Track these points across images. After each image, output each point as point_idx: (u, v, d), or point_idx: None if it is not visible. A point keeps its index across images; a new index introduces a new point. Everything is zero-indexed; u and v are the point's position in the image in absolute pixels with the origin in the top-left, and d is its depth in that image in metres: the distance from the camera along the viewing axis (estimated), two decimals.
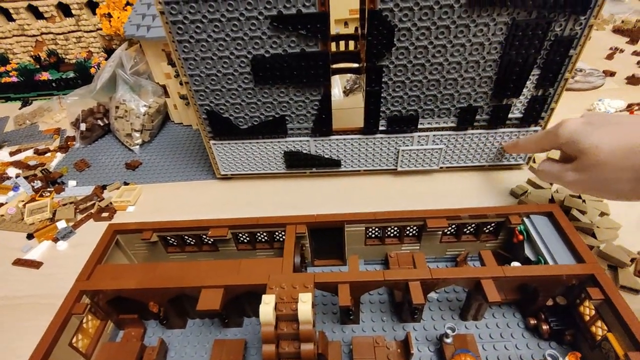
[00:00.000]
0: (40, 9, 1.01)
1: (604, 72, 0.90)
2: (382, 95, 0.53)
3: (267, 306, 0.34)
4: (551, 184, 0.59)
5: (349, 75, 0.89)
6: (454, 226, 0.46)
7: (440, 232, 0.46)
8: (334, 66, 0.69)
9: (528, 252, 0.42)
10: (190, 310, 0.44)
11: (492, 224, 0.45)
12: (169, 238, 0.48)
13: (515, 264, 0.42)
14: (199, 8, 0.46)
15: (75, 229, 0.60)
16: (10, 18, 1.03)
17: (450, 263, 0.49)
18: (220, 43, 0.49)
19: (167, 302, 0.41)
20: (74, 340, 0.38)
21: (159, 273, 0.41)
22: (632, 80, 0.86)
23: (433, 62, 0.50)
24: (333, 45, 0.72)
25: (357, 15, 0.58)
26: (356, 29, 0.69)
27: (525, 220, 0.44)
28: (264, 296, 0.34)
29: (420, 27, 0.47)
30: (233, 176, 0.67)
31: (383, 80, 0.52)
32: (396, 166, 0.63)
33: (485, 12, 0.45)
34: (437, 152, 0.60)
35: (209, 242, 0.48)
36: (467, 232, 0.47)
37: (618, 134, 0.37)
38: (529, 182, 0.61)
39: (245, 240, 0.48)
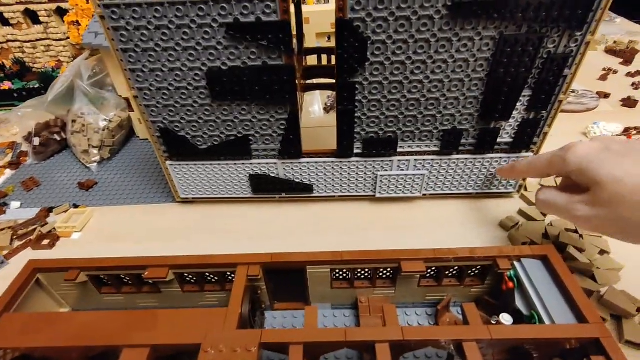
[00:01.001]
0: (6, 15, 0.95)
1: (597, 93, 0.86)
2: (357, 114, 0.48)
3: None
4: (545, 215, 0.53)
5: (328, 92, 0.84)
6: (433, 269, 0.39)
7: (418, 276, 0.39)
8: (310, 81, 0.64)
9: (519, 303, 0.36)
10: None
11: (478, 267, 0.39)
12: (102, 277, 0.41)
13: (505, 316, 0.36)
14: (144, 13, 0.40)
15: (8, 259, 0.53)
16: None
17: (431, 309, 0.43)
18: (170, 53, 0.43)
19: None
20: None
21: (79, 325, 0.34)
22: (628, 102, 0.81)
23: (412, 80, 0.44)
24: (314, 58, 0.67)
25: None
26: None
27: (516, 264, 0.37)
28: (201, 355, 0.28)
29: (396, 40, 0.41)
30: (194, 200, 0.60)
31: (357, 98, 0.46)
32: (374, 192, 0.57)
33: (470, 25, 0.40)
34: (419, 178, 0.54)
35: (150, 282, 0.41)
36: (450, 275, 0.40)
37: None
38: (520, 212, 0.55)
39: (192, 281, 0.41)
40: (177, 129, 0.50)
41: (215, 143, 0.51)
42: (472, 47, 0.42)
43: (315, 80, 0.62)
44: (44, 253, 0.55)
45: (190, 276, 0.40)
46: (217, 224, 0.57)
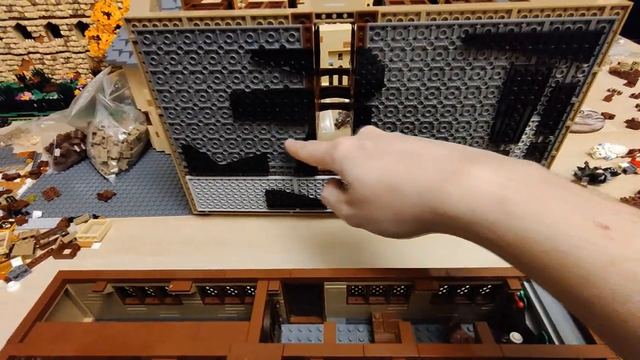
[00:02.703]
0: (29, 29, 0.98)
1: (602, 114, 0.88)
2: None
3: None
4: None
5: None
6: (446, 287, 0.41)
7: (431, 294, 0.41)
8: (323, 101, 0.66)
9: (529, 322, 0.38)
10: None
11: (489, 287, 0.40)
12: (127, 288, 0.43)
13: (515, 335, 0.37)
14: (174, 39, 0.42)
15: (31, 268, 0.55)
16: None
17: (442, 325, 0.44)
18: (197, 76, 0.45)
19: None
20: None
21: (107, 336, 0.35)
22: (632, 124, 0.83)
23: (426, 105, 0.46)
24: (326, 78, 0.69)
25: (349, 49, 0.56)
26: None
27: (526, 284, 0.39)
28: None
29: (412, 67, 0.43)
30: (211, 213, 0.62)
31: (372, 121, 0.48)
32: None
33: (482, 56, 0.42)
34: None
35: (173, 294, 0.43)
36: (461, 293, 0.42)
37: (382, 167, 0.31)
38: None
39: (212, 294, 0.43)
40: (198, 146, 0.52)
41: (235, 160, 0.53)
42: (484, 75, 0.44)
43: (329, 100, 0.64)
44: (65, 262, 0.56)
45: (212, 289, 0.42)
46: (233, 237, 0.59)
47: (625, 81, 1.06)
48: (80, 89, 0.97)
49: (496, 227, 0.23)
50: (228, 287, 0.42)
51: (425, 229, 0.31)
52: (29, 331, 0.35)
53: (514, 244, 0.23)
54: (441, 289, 0.40)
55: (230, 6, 0.48)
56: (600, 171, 0.67)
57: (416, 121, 0.48)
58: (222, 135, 0.51)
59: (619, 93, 0.99)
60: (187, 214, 0.64)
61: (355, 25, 0.41)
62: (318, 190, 0.57)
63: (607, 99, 0.96)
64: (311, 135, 0.50)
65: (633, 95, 0.98)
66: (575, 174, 0.68)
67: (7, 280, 0.53)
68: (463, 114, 0.47)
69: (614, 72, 1.12)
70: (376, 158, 0.32)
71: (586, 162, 0.69)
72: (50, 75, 1.06)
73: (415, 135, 0.49)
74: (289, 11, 0.40)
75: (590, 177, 0.66)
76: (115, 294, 0.42)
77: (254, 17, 0.41)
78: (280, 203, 0.58)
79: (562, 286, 0.21)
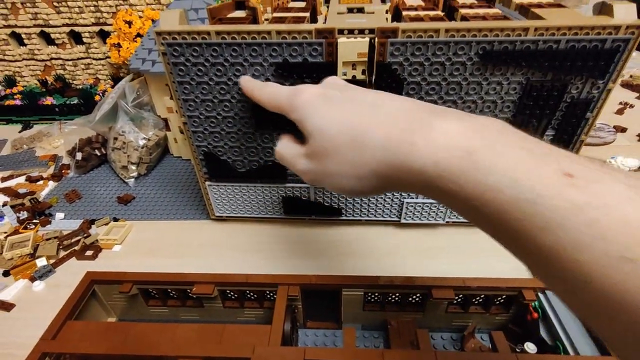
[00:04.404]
0: (52, 36, 1.02)
1: (614, 127, 0.88)
2: None
3: None
4: None
5: None
6: (461, 296, 0.42)
7: (446, 302, 0.42)
8: None
9: (543, 333, 0.38)
10: None
11: (503, 297, 0.41)
12: (150, 290, 0.44)
13: (530, 345, 0.38)
14: (202, 52, 0.44)
15: (55, 268, 0.57)
16: (21, 42, 1.04)
17: (455, 334, 0.45)
18: (222, 87, 0.47)
19: None
20: None
21: (134, 335, 0.37)
22: None
23: None
24: None
25: (365, 59, 0.57)
26: (363, 71, 0.68)
27: (541, 295, 0.40)
28: None
29: (430, 82, 0.45)
30: (228, 218, 0.63)
31: None
32: (400, 218, 0.60)
33: (499, 71, 0.44)
34: (442, 206, 0.57)
35: (194, 297, 0.44)
36: (476, 302, 0.43)
37: (345, 118, 0.29)
38: None
39: (232, 298, 0.44)
40: (219, 153, 0.54)
41: (254, 167, 0.55)
42: (500, 90, 0.45)
43: None
44: (87, 264, 0.58)
45: (232, 293, 0.43)
46: (249, 242, 0.60)
47: (638, 94, 1.06)
48: (100, 94, 1.00)
49: (460, 178, 0.23)
50: (248, 292, 0.43)
51: (383, 186, 0.28)
52: (60, 329, 0.37)
53: (477, 194, 0.22)
54: (457, 297, 0.41)
55: (255, 21, 0.50)
56: None
57: None
58: (243, 143, 0.52)
59: (631, 106, 1.00)
60: (205, 219, 0.65)
61: (377, 40, 0.43)
62: (333, 198, 0.58)
63: (619, 112, 0.97)
64: None
65: None
66: None
67: (33, 279, 0.55)
68: None
69: (626, 85, 1.12)
70: (339, 107, 0.30)
71: None
72: (70, 81, 1.09)
73: None
74: (312, 26, 0.42)
75: None
76: (140, 296, 0.44)
77: (279, 32, 0.42)
78: (296, 210, 0.60)
79: (523, 237, 0.20)
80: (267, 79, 0.46)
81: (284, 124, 0.49)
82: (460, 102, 0.46)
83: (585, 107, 0.46)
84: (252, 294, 0.43)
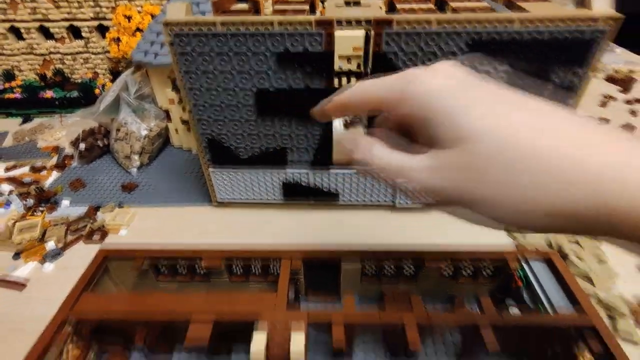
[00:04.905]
0: (51, 30, 1.03)
1: (598, 119, 0.92)
2: None
3: (258, 345, 0.32)
4: None
5: None
6: (451, 267, 0.45)
7: (438, 273, 0.45)
8: None
9: (527, 298, 0.42)
10: (176, 343, 0.43)
11: (490, 267, 0.45)
12: (160, 266, 0.47)
13: (514, 309, 0.41)
14: (208, 42, 0.47)
15: (63, 251, 0.59)
16: (20, 37, 1.05)
17: (447, 304, 0.48)
18: (226, 76, 0.50)
19: (153, 334, 0.39)
20: None
21: (148, 303, 0.39)
22: (627, 128, 0.88)
23: None
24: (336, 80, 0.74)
25: (360, 53, 0.60)
26: (358, 65, 0.71)
27: (525, 265, 0.43)
28: (255, 334, 0.33)
29: None
30: (230, 203, 0.66)
31: None
32: (394, 202, 0.63)
33: (487, 61, 0.47)
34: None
35: (202, 272, 0.47)
36: (465, 274, 0.46)
37: (527, 124, 0.20)
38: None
39: (238, 272, 0.47)
40: (223, 140, 0.56)
41: (256, 153, 0.57)
42: (488, 77, 0.48)
43: None
44: (94, 247, 0.60)
45: (238, 267, 0.46)
46: (250, 226, 0.63)
47: (621, 88, 1.11)
48: (100, 88, 1.01)
49: None
50: (253, 266, 0.46)
51: (568, 227, 0.20)
52: (77, 300, 0.39)
53: None
54: (447, 267, 0.44)
55: (257, 12, 0.53)
56: None
57: None
58: (246, 130, 0.55)
59: (614, 99, 1.04)
60: (207, 204, 0.68)
61: (373, 31, 0.46)
62: (331, 182, 0.61)
63: (603, 104, 1.01)
64: (328, 131, 0.54)
65: (628, 102, 1.03)
66: None
67: (43, 261, 0.57)
68: None
69: (610, 79, 1.17)
70: (508, 104, 0.22)
71: None
72: (69, 75, 1.11)
73: None
74: (312, 18, 0.45)
75: None
76: (150, 271, 0.46)
77: (280, 23, 0.45)
78: (296, 194, 0.63)
79: None
80: (270, 68, 0.48)
81: (286, 112, 0.52)
82: None
83: (566, 93, 0.49)
84: (257, 267, 0.46)
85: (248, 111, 0.53)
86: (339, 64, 0.91)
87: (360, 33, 0.47)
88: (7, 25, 1.02)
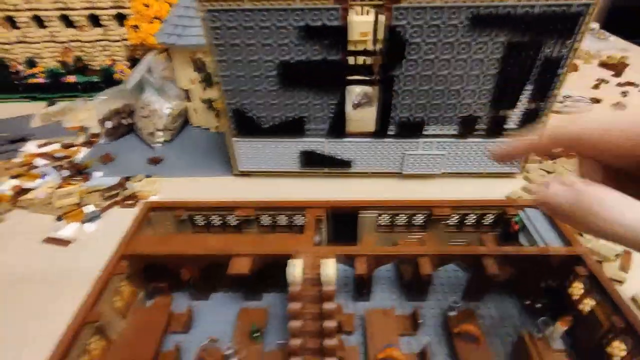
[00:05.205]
0: (72, 18, 1.08)
1: (591, 99, 0.98)
2: (393, 102, 0.60)
3: (295, 268, 0.38)
4: None
5: (358, 90, 0.96)
6: (457, 217, 0.51)
7: (445, 222, 0.51)
8: (350, 77, 0.76)
9: (523, 240, 0.47)
10: (216, 283, 0.48)
11: (492, 215, 0.50)
12: (195, 219, 0.52)
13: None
14: (237, 17, 0.52)
15: (101, 214, 0.64)
16: (42, 25, 1.10)
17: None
18: (252, 48, 0.55)
19: (198, 271, 0.45)
20: (114, 300, 0.42)
21: (193, 243, 0.45)
22: (618, 106, 0.94)
23: (438, 74, 0.57)
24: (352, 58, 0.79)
25: (366, 37, 0.65)
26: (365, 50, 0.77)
27: (521, 213, 0.49)
28: (291, 260, 0.39)
29: (428, 42, 0.54)
30: (250, 173, 0.72)
31: (394, 88, 0.58)
32: (401, 170, 0.69)
33: (485, 33, 0.53)
34: (439, 157, 0.66)
35: (232, 224, 0.53)
36: (469, 224, 0.52)
37: None
38: (524, 189, 0.66)
39: (266, 224, 0.53)
40: (246, 110, 0.62)
41: (276, 123, 0.63)
42: (486, 49, 0.54)
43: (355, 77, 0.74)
44: (128, 211, 0.66)
45: (267, 217, 0.52)
46: (269, 194, 0.68)
47: (613, 72, 1.17)
48: (120, 73, 1.07)
49: None
50: (280, 217, 0.52)
51: None
52: (132, 240, 0.45)
53: None
54: (453, 217, 0.50)
55: None
56: None
57: (430, 89, 0.58)
58: (268, 100, 0.61)
59: (607, 82, 1.10)
60: (228, 175, 0.73)
61: (384, 6, 0.51)
62: (345, 151, 0.67)
63: (595, 87, 1.07)
64: (342, 102, 0.60)
65: (619, 84, 1.09)
66: None
67: (83, 222, 0.63)
68: (469, 83, 0.57)
69: (603, 65, 1.23)
70: None
71: None
72: (88, 62, 1.16)
73: (429, 102, 0.59)
74: None
75: None
76: (188, 222, 0.52)
77: None
78: (312, 163, 0.68)
79: None
80: (291, 41, 0.54)
81: (305, 83, 0.58)
82: (453, 60, 0.55)
83: (556, 63, 0.55)
84: (283, 218, 0.52)
85: (270, 82, 0.58)
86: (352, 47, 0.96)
87: (371, 19, 0.52)
88: (31, 14, 1.07)
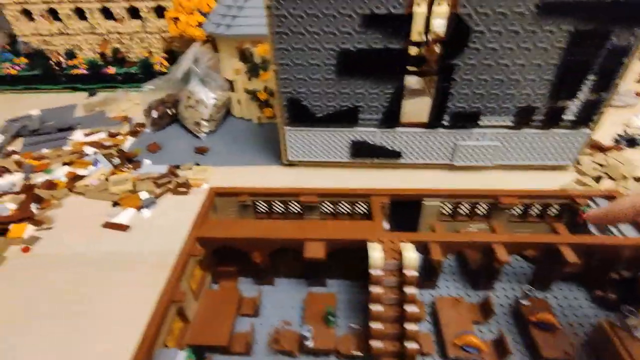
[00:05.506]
0: (112, 11, 1.10)
1: (636, 93, 0.96)
2: (450, 91, 0.59)
3: (376, 252, 0.38)
4: (597, 180, 0.64)
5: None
6: (521, 207, 0.50)
7: (509, 212, 0.50)
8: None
9: (593, 230, 0.47)
10: (282, 267, 0.49)
11: (557, 206, 0.50)
12: (257, 204, 0.53)
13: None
14: (302, 4, 0.52)
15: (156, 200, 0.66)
16: (83, 17, 1.12)
17: None
18: (314, 36, 0.55)
19: (268, 255, 0.45)
20: (191, 282, 0.43)
21: (262, 227, 0.45)
22: None
23: (500, 63, 0.56)
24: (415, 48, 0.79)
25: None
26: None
27: (590, 202, 0.48)
28: (370, 243, 0.39)
29: (493, 30, 0.53)
30: (297, 163, 0.72)
31: (453, 77, 0.58)
32: (452, 161, 0.68)
33: (552, 20, 0.52)
34: (492, 148, 0.66)
35: (294, 211, 0.53)
36: (533, 214, 0.51)
37: None
38: (577, 182, 0.65)
39: (327, 212, 0.53)
40: (301, 99, 0.62)
41: (330, 112, 0.63)
42: (551, 37, 0.53)
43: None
44: (180, 198, 0.67)
45: (328, 205, 0.52)
46: (316, 184, 0.69)
47: None
48: (159, 64, 1.08)
49: None
50: (342, 205, 0.52)
51: None
52: (203, 223, 0.46)
53: None
54: (518, 206, 0.50)
55: None
56: (637, 137, 0.76)
57: (490, 78, 0.58)
58: (324, 89, 0.61)
59: None
60: (275, 164, 0.74)
61: None
62: (396, 142, 0.67)
63: (639, 81, 1.05)
64: (399, 91, 0.60)
65: None
66: (616, 140, 0.77)
67: (139, 208, 0.64)
68: (530, 72, 0.57)
69: None
70: None
71: (625, 130, 0.78)
72: (125, 53, 1.17)
73: (488, 91, 0.59)
74: None
75: (629, 141, 0.76)
76: (250, 208, 0.52)
77: None
78: (361, 153, 0.68)
79: None
80: (354, 29, 0.54)
81: (364, 71, 0.58)
82: (516, 48, 0.54)
83: (622, 53, 0.54)
84: (345, 206, 0.52)
85: (328, 70, 0.58)
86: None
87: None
88: (73, 6, 1.09)
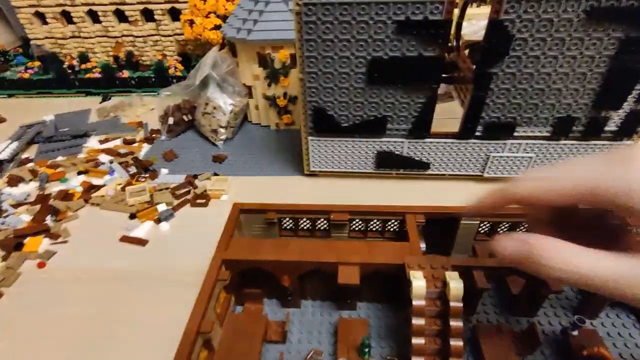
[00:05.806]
0: (126, 13, 1.08)
1: None
2: (486, 101, 0.56)
3: (419, 281, 0.35)
4: None
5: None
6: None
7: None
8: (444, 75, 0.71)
9: None
10: (309, 290, 0.46)
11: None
12: (283, 221, 0.50)
13: None
14: (333, 11, 0.50)
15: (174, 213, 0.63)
16: (96, 20, 1.10)
17: None
18: (344, 44, 0.52)
19: (296, 278, 0.42)
20: (215, 306, 0.40)
21: (292, 249, 0.43)
22: None
23: (542, 72, 0.53)
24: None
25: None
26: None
27: None
28: (412, 272, 0.36)
29: (536, 37, 0.50)
30: (320, 173, 0.69)
31: (490, 86, 0.55)
32: (482, 172, 0.65)
33: (601, 27, 0.48)
34: (526, 160, 0.62)
35: (322, 228, 0.50)
36: None
37: None
38: None
39: (357, 229, 0.50)
40: (328, 108, 0.59)
41: (357, 121, 0.60)
42: (599, 45, 0.50)
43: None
44: (199, 210, 0.65)
45: (359, 222, 0.49)
46: (340, 195, 0.65)
47: None
48: (173, 68, 1.06)
49: None
50: (373, 222, 0.49)
51: None
52: (228, 244, 0.43)
53: None
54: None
55: None
56: None
57: (529, 87, 0.54)
58: (352, 98, 0.58)
59: None
60: (297, 175, 0.71)
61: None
62: (424, 152, 0.63)
63: None
64: (431, 101, 0.57)
65: None
66: None
67: (158, 221, 0.61)
68: (574, 81, 0.53)
69: None
70: None
71: None
72: (139, 57, 1.15)
73: (526, 101, 0.55)
74: None
75: None
76: (276, 225, 0.50)
77: None
78: (387, 164, 0.65)
79: None
80: (387, 36, 0.51)
81: (395, 80, 0.54)
82: (561, 56, 0.51)
83: None
84: (377, 223, 0.49)
85: (358, 79, 0.56)
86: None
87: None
88: (86, 8, 1.07)
